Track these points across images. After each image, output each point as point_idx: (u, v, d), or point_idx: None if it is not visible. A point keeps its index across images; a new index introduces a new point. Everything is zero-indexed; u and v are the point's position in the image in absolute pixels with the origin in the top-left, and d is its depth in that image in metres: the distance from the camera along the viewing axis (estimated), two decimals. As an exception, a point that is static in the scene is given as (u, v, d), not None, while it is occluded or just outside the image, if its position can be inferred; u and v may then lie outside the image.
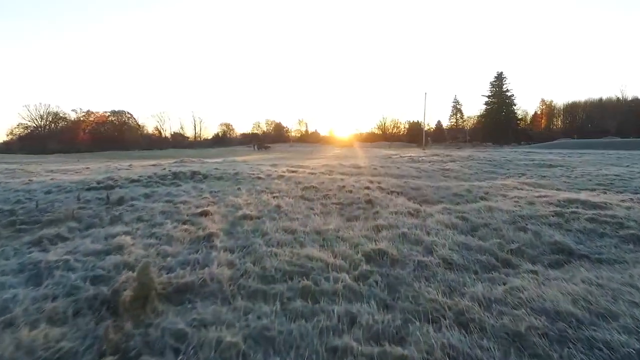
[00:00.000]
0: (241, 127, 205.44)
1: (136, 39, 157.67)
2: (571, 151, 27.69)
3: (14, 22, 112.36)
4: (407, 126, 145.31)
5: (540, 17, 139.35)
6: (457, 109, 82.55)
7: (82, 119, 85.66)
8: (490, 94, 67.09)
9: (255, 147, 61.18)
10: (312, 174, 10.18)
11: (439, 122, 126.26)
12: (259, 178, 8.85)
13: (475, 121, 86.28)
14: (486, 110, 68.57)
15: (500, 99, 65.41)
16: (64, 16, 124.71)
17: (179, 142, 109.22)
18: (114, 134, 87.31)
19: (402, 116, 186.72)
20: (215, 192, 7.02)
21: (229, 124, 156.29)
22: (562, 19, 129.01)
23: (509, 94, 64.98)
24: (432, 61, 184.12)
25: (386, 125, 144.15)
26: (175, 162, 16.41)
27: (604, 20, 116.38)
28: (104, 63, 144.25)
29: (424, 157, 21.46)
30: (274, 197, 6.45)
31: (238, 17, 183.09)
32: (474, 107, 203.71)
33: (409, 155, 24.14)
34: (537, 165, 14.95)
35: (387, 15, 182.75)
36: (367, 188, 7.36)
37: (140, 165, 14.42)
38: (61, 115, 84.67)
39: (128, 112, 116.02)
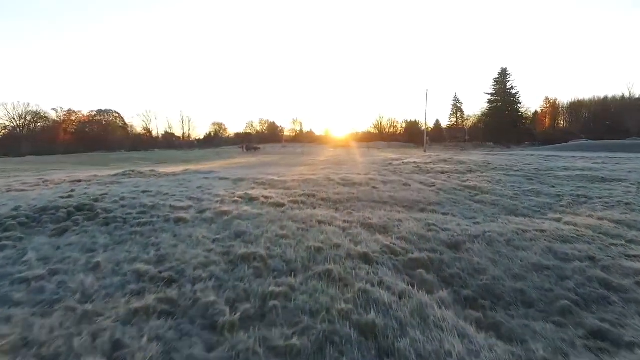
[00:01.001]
0: (235, 127, 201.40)
1: (123, 37, 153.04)
2: (597, 155, 24.27)
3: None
4: (404, 126, 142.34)
5: (539, 13, 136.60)
6: (457, 108, 79.28)
7: (63, 118, 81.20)
8: (493, 92, 63.65)
9: (244, 148, 57.43)
10: (281, 204, 6.54)
11: (437, 121, 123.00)
12: (181, 220, 5.20)
13: (475, 120, 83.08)
14: (489, 108, 65.16)
15: (504, 97, 61.94)
16: (47, 13, 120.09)
17: (168, 142, 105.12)
18: (98, 134, 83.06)
19: (399, 115, 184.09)
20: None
21: (221, 124, 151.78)
22: (561, 15, 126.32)
23: (513, 91, 61.47)
24: (429, 59, 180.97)
25: (383, 124, 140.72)
26: (116, 175, 12.67)
27: (605, 17, 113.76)
28: (88, 61, 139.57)
29: (431, 164, 17.91)
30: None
31: (231, 15, 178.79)
32: (474, 106, 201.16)
33: (413, 160, 20.55)
34: (586, 179, 11.40)
35: (383, 12, 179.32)
36: (368, 261, 3.71)
37: (67, 180, 10.70)
38: (42, 114, 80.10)
39: (115, 112, 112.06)
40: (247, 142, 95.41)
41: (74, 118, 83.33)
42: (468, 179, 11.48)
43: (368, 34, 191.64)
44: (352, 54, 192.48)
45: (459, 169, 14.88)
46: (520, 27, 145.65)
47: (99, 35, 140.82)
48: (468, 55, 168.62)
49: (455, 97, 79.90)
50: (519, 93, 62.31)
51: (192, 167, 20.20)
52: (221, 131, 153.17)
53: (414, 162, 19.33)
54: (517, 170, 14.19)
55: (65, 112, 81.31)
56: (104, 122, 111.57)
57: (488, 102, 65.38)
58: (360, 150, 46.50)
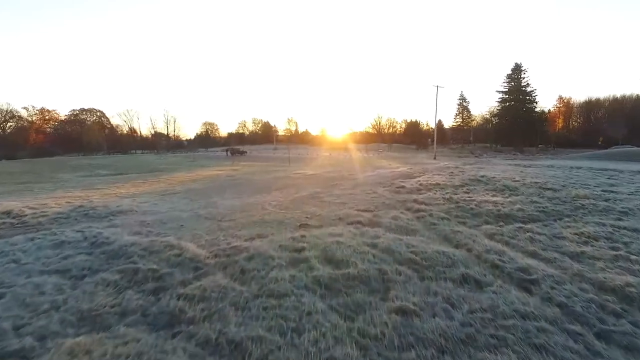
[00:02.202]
0: (228, 126, 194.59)
1: (106, 32, 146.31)
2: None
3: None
4: (403, 126, 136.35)
5: (546, 9, 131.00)
6: (463, 107, 73.29)
7: (35, 119, 74.56)
8: (505, 90, 57.64)
9: (228, 153, 51.27)
10: None
11: (439, 121, 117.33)
12: None
13: (481, 121, 77.06)
14: (501, 108, 59.15)
15: (517, 95, 55.88)
16: (22, 6, 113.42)
17: (154, 142, 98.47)
18: (74, 136, 76.47)
19: (398, 115, 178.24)
20: None
21: (212, 124, 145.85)
22: (569, 10, 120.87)
23: (528, 89, 55.29)
24: (431, 56, 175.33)
25: (381, 124, 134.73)
26: None
27: (611, 16, 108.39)
28: (64, 58, 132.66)
29: (463, 188, 11.91)
30: None
31: (223, 12, 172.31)
32: (481, 105, 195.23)
33: (434, 181, 14.49)
34: None
35: (381, 9, 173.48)
36: None
37: None
38: (13, 112, 73.40)
39: (99, 110, 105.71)
40: (234, 144, 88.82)
41: (47, 117, 76.81)
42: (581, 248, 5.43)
43: (366, 31, 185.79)
44: (350, 52, 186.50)
45: (526, 207, 8.74)
46: (528, 23, 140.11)
47: (78, 30, 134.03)
48: (472, 52, 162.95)
49: (462, 96, 74.11)
50: (536, 91, 56.12)
51: (125, 189, 14.33)
52: (213, 131, 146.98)
53: (437, 184, 13.33)
54: (607, 201, 8.27)
55: (37, 111, 74.65)
56: (87, 121, 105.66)
57: (499, 101, 59.39)
58: (359, 157, 40.42)
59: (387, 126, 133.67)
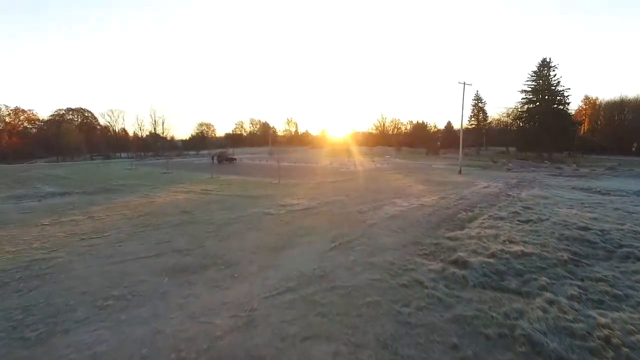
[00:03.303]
0: (225, 127, 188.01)
1: (101, 31, 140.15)
2: None
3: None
4: (408, 127, 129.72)
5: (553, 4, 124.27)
6: (479, 109, 66.66)
7: (7, 119, 68.33)
8: (531, 89, 51.00)
9: (214, 159, 44.86)
10: None
11: (449, 123, 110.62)
12: None
13: (498, 123, 70.41)
14: (525, 110, 52.50)
15: (545, 95, 49.21)
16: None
17: (146, 143, 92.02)
18: (54, 138, 70.23)
19: (402, 116, 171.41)
20: None
21: (209, 124, 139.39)
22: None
23: (559, 88, 48.47)
24: (438, 55, 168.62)
25: (386, 125, 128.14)
26: None
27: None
28: (55, 57, 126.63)
29: (553, 241, 5.52)
30: None
31: (219, 10, 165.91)
32: (490, 106, 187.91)
33: (513, 244, 8.12)
34: None
35: (384, 6, 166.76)
36: None
37: None
38: (-13, 113, 67.21)
39: (86, 110, 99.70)
40: (230, 146, 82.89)
41: (23, 118, 70.58)
42: None
43: (369, 28, 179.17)
44: (351, 50, 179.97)
45: None
46: (540, 18, 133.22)
47: (66, 27, 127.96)
48: (482, 49, 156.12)
49: (477, 95, 67.45)
50: (568, 90, 48.92)
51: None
52: (209, 132, 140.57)
53: (523, 253, 7.07)
54: None
55: (11, 111, 68.37)
56: (75, 122, 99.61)
57: (523, 102, 52.70)
58: (365, 167, 34.00)
59: (392, 127, 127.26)
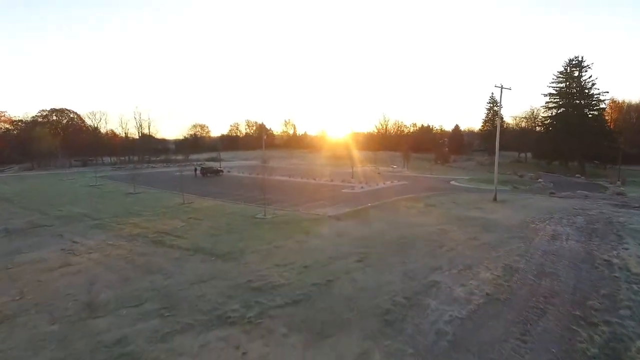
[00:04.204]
0: (221, 128, 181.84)
1: (93, 28, 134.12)
2: None
3: None
4: (411, 129, 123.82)
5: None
6: (494, 113, 60.65)
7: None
8: (556, 91, 45.15)
9: (198, 172, 39.04)
10: None
11: (456, 126, 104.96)
12: None
13: (517, 127, 64.54)
14: (551, 115, 46.67)
15: (575, 99, 43.30)
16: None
17: (144, 143, 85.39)
18: (28, 141, 64.11)
19: (405, 117, 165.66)
20: None
21: (203, 125, 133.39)
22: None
23: (594, 91, 42.27)
24: (442, 55, 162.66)
25: (388, 127, 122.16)
26: None
27: None
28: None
29: None
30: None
31: (215, 9, 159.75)
32: (514, 108, 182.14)
33: None
34: None
35: (385, 7, 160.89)
36: None
37: None
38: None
39: (72, 111, 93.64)
40: (223, 149, 77.12)
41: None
42: None
43: (369, 27, 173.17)
44: (351, 50, 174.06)
45: None
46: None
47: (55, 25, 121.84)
48: (496, 50, 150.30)
49: (492, 98, 61.53)
50: (606, 94, 42.47)
51: None
52: (204, 133, 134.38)
53: None
54: None
55: (-17, 113, 62.29)
56: (61, 123, 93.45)
57: (550, 105, 46.78)
58: (372, 182, 28.15)
59: (395, 129, 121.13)
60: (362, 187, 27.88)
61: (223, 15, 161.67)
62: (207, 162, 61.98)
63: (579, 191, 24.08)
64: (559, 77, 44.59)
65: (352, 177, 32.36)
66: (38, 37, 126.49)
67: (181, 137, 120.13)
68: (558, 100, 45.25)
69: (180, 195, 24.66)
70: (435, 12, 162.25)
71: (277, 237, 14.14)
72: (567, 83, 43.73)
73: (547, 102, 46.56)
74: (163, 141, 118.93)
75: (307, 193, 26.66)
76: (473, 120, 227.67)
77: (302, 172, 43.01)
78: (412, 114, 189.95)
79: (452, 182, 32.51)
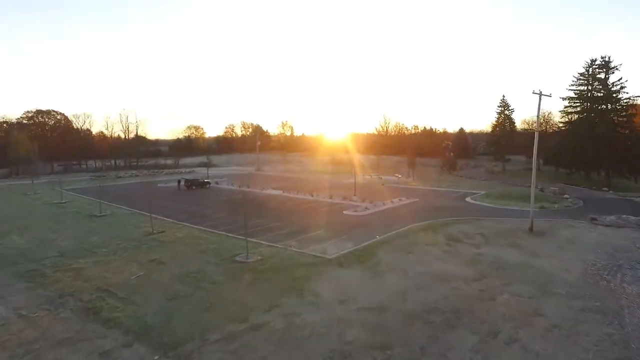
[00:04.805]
0: (216, 129, 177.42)
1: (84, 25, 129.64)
2: None
3: None
4: (412, 131, 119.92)
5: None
6: (505, 117, 56.75)
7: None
8: (578, 94, 41.20)
9: (182, 185, 34.98)
10: None
11: (461, 129, 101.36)
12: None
13: (528, 132, 60.40)
14: (571, 120, 42.74)
15: (600, 104, 39.32)
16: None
17: (121, 148, 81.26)
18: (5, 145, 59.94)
19: (406, 118, 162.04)
20: None
21: (198, 127, 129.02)
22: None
23: (623, 95, 38.16)
24: (445, 56, 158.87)
25: (389, 129, 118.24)
26: None
27: None
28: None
29: None
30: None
31: (211, 9, 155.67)
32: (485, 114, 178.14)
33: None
34: None
35: (387, 8, 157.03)
36: None
37: None
38: None
39: (59, 112, 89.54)
40: (215, 153, 73.65)
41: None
42: None
43: (370, 27, 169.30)
44: (350, 50, 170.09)
45: None
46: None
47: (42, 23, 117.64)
48: (502, 53, 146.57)
49: (504, 101, 57.46)
50: (636, 98, 38.33)
51: None
52: (199, 135, 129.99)
53: None
54: None
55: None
56: (47, 125, 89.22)
57: (569, 110, 42.80)
58: (378, 201, 24.15)
59: (396, 131, 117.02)
60: (366, 208, 23.99)
61: (220, 13, 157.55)
62: (196, 170, 57.91)
63: (624, 216, 20.35)
64: (580, 79, 40.75)
65: (354, 194, 28.46)
66: (20, 36, 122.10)
67: (176, 138, 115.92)
68: (579, 104, 41.43)
69: (141, 227, 20.57)
70: (435, 12, 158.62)
71: (258, 302, 10.29)
72: (590, 85, 39.91)
73: (566, 107, 42.82)
74: (156, 142, 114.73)
75: (302, 216, 22.75)
76: (474, 121, 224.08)
77: (298, 184, 39.09)
78: (413, 115, 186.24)
79: (468, 199, 28.66)
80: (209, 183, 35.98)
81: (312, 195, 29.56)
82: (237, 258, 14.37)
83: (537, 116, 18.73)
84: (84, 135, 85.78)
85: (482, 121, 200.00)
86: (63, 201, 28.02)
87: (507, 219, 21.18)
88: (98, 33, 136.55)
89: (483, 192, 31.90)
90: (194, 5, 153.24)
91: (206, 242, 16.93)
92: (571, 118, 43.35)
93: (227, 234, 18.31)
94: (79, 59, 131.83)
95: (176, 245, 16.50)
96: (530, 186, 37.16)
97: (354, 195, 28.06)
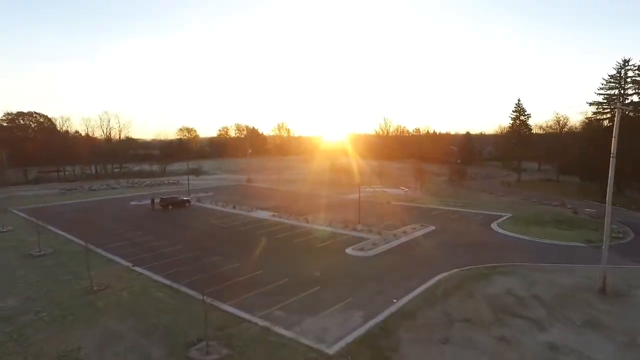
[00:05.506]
0: (209, 131, 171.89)
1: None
2: None
3: None
4: (413, 132, 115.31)
5: None
6: (521, 122, 52.05)
7: None
8: (607, 98, 36.74)
9: (156, 204, 30.11)
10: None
11: (467, 133, 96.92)
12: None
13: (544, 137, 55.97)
14: (593, 127, 38.27)
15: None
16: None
17: (110, 151, 75.89)
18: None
19: (406, 119, 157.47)
20: None
21: (190, 129, 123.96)
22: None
23: None
24: (446, 57, 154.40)
25: (390, 131, 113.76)
26: None
27: None
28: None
29: None
30: None
31: (205, 8, 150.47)
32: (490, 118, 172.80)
33: None
34: None
35: (390, 8, 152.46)
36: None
37: None
38: None
39: (41, 114, 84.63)
40: (208, 155, 69.35)
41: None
42: None
43: (370, 27, 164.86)
44: (350, 50, 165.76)
45: None
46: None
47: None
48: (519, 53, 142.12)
49: (519, 105, 52.68)
50: None
51: None
52: (192, 137, 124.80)
53: None
54: None
55: None
56: (30, 128, 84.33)
57: (598, 117, 38.29)
58: (387, 232, 19.33)
59: (397, 133, 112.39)
60: (374, 244, 19.23)
61: (218, 12, 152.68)
62: (181, 179, 52.49)
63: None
64: (610, 82, 36.36)
65: (358, 221, 23.65)
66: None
67: (168, 140, 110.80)
68: (609, 109, 36.97)
69: (108, 260, 15.87)
70: (435, 11, 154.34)
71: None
72: (622, 89, 35.45)
73: (594, 113, 38.31)
74: (146, 144, 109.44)
75: (293, 258, 17.94)
76: (474, 122, 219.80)
77: (292, 201, 34.32)
78: (412, 115, 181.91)
79: (494, 226, 24.03)
80: (188, 201, 31.09)
81: (308, 222, 24.75)
82: (192, 355, 9.60)
83: (614, 136, 14.04)
84: (72, 138, 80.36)
85: (484, 121, 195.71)
86: (4, 230, 23.07)
87: (561, 267, 16.44)
88: (92, 31, 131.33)
89: (508, 215, 27.22)
90: (193, 5, 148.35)
91: (158, 312, 12.18)
92: (600, 125, 38.85)
93: (190, 291, 13.54)
94: (54, 59, 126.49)
95: (114, 316, 11.76)
96: (558, 204, 33.02)
97: (358, 223, 23.28)
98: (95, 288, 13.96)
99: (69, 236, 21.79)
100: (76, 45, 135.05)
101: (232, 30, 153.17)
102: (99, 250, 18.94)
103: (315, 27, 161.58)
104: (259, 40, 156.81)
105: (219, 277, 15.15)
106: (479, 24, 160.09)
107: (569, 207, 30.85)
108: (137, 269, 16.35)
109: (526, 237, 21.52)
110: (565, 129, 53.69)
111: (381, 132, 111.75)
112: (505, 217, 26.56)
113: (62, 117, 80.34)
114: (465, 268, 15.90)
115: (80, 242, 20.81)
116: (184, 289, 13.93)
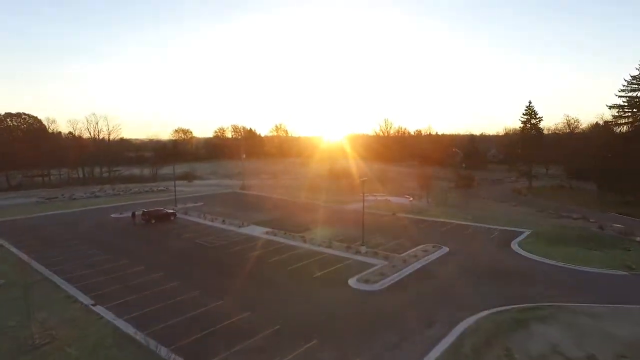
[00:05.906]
0: (206, 132, 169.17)
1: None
2: None
3: None
4: (413, 133, 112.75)
5: None
6: (532, 126, 49.33)
7: None
8: (629, 101, 34.06)
9: (137, 218, 27.30)
10: None
11: (471, 135, 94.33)
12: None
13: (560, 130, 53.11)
14: (619, 131, 35.77)
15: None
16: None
17: (101, 154, 72.97)
18: None
19: (406, 120, 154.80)
20: None
21: (186, 130, 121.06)
22: None
23: None
24: (447, 58, 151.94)
25: (390, 132, 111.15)
26: None
27: None
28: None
29: None
30: None
31: (210, 10, 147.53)
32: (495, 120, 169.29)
33: None
34: None
35: (391, 7, 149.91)
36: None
37: None
38: None
39: (29, 115, 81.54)
40: (204, 158, 66.88)
41: None
42: None
43: (370, 27, 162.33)
44: (349, 50, 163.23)
45: None
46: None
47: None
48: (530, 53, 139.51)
49: (530, 108, 49.88)
50: None
51: None
52: (188, 138, 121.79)
53: None
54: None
55: None
56: (19, 129, 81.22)
57: (619, 121, 35.73)
58: (399, 268, 16.58)
59: (397, 134, 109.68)
60: (382, 274, 16.47)
61: (218, 12, 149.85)
62: (171, 185, 49.55)
63: None
64: (632, 84, 33.77)
65: (362, 241, 20.90)
66: None
67: (165, 140, 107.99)
68: (630, 113, 34.40)
69: (66, 297, 13.17)
70: (435, 12, 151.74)
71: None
72: (649, 91, 32.91)
73: (615, 117, 35.71)
74: (142, 144, 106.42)
75: (286, 296, 15.11)
76: (475, 122, 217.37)
77: (289, 212, 31.64)
78: (414, 116, 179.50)
79: (515, 247, 21.38)
80: (173, 214, 28.30)
81: (305, 241, 22.00)
82: None
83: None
84: (63, 140, 77.15)
85: (484, 122, 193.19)
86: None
87: (611, 309, 13.63)
88: (85, 30, 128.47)
89: (527, 232, 24.53)
90: (192, 4, 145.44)
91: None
92: (621, 130, 36.29)
93: (157, 347, 10.76)
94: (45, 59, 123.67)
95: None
96: (579, 217, 30.34)
97: (362, 244, 20.51)
98: (37, 342, 11.20)
99: (31, 261, 18.98)
100: (68, 45, 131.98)
101: (231, 29, 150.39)
102: (59, 281, 16.22)
103: (315, 25, 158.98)
104: (258, 39, 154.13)
105: (197, 321, 12.43)
106: (480, 24, 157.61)
107: (592, 220, 28.20)
108: (98, 308, 13.61)
109: (553, 262, 18.77)
110: (578, 132, 51.18)
111: (381, 133, 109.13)
112: (524, 235, 23.85)
113: (47, 119, 76.83)
114: (494, 310, 13.17)
115: (40, 268, 18.16)
116: (150, 341, 11.16)
